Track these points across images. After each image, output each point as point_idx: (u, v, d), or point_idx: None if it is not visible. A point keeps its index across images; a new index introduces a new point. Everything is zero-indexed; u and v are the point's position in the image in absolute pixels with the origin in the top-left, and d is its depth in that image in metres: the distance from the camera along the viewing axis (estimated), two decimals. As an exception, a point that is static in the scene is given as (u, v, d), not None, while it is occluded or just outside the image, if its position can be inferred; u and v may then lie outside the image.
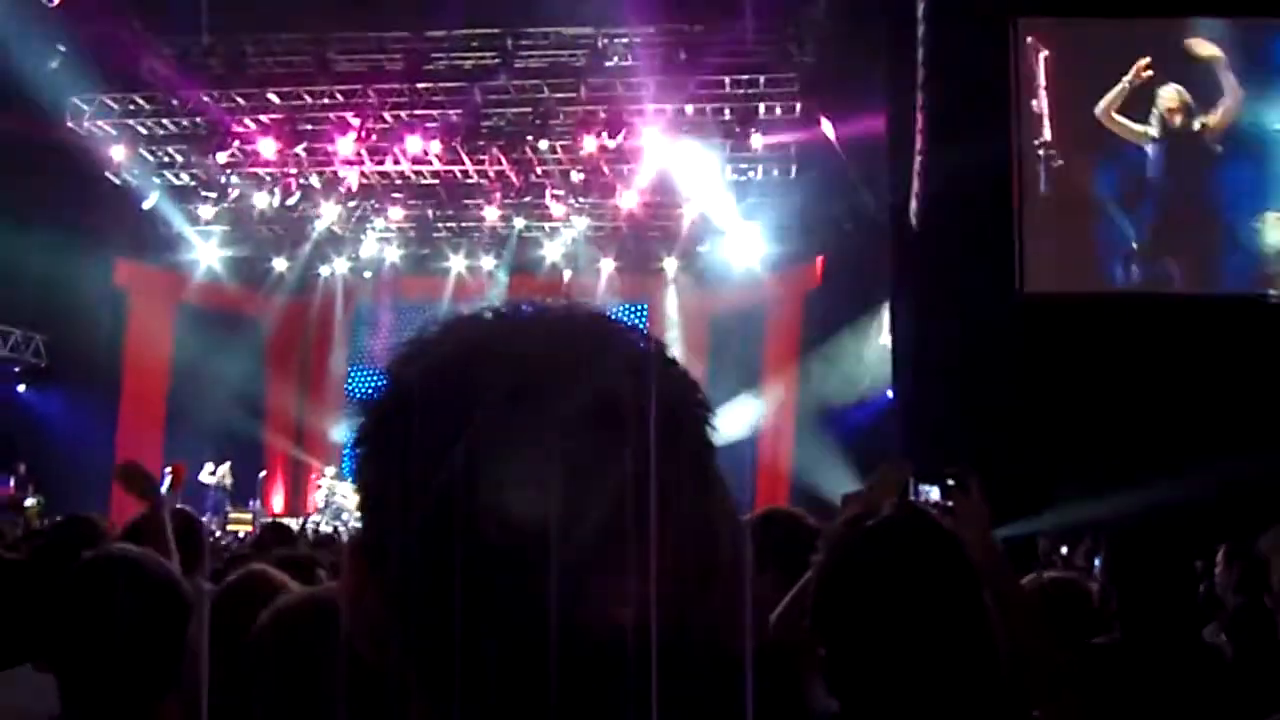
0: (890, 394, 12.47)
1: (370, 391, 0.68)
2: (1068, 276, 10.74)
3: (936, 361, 10.43)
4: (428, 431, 0.61)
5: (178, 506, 3.63)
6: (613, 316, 0.69)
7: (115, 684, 1.79)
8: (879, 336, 13.37)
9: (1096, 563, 4.31)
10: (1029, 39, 10.74)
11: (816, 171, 14.90)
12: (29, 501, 12.85)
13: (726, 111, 15.11)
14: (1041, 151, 10.66)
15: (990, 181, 10.42)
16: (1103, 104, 10.68)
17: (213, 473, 16.16)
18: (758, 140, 15.12)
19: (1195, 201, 10.82)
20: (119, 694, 1.79)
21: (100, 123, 15.60)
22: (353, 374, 19.72)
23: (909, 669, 1.42)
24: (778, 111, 15.10)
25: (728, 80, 14.60)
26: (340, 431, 19.14)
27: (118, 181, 16.11)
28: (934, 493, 7.58)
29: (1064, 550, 7.74)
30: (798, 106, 14.79)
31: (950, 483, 2.35)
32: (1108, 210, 10.77)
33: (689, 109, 15.00)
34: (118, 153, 15.74)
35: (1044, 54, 10.75)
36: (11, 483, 14.32)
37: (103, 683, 1.79)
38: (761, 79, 14.57)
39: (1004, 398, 9.62)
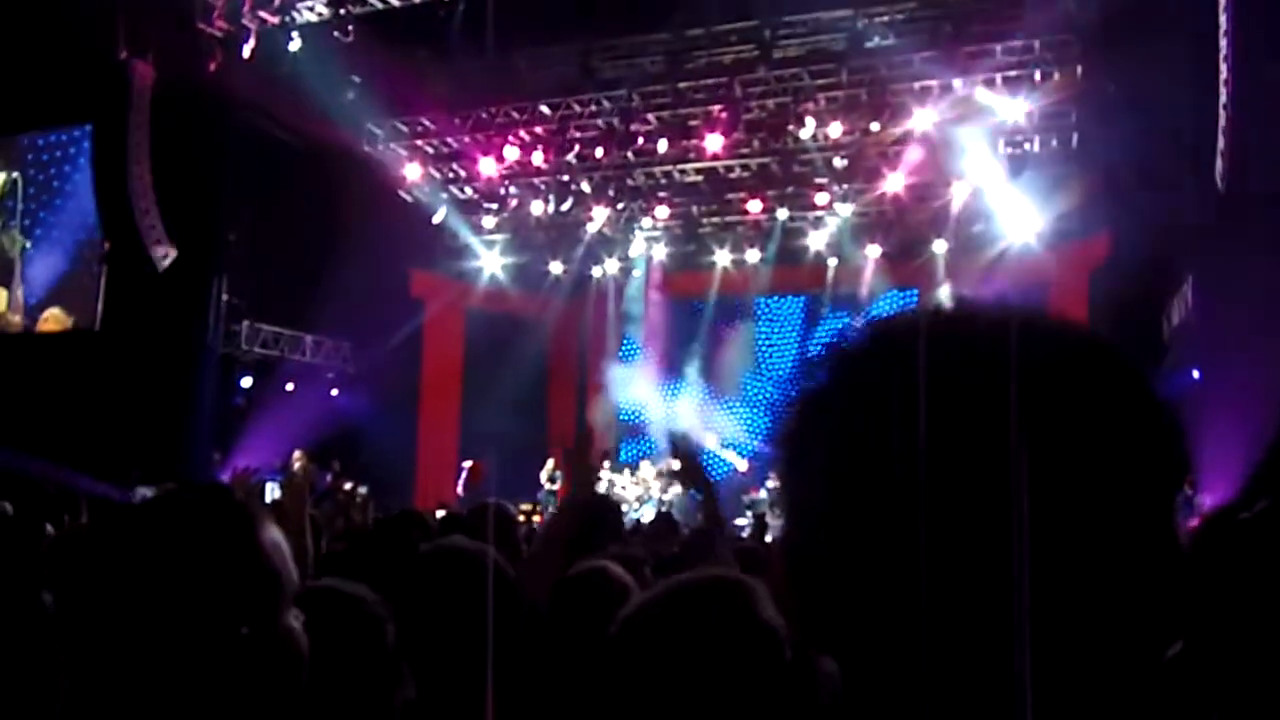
0: (1196, 374, 11.43)
1: (793, 393, 0.67)
2: None
3: (1251, 338, 9.43)
4: (860, 433, 0.60)
5: (491, 500, 3.82)
6: (1042, 313, 0.66)
7: (465, 672, 1.81)
8: (1179, 311, 12.28)
9: None
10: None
11: (1101, 138, 13.85)
12: (346, 487, 13.96)
13: (998, 81, 14.34)
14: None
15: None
16: None
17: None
18: (1033, 109, 14.26)
19: None
20: (469, 682, 1.81)
21: (392, 145, 16.93)
22: (625, 369, 20.35)
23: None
24: (1056, 77, 14.16)
25: (999, 49, 13.87)
26: (614, 425, 19.79)
27: (409, 198, 17.41)
28: None
29: None
30: (1079, 70, 13.82)
31: None
32: None
33: (957, 83, 14.36)
34: (409, 172, 17.04)
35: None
36: (329, 478, 15.79)
37: (455, 670, 1.84)
38: (1036, 43, 13.74)
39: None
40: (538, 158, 16.54)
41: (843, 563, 0.59)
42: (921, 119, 14.62)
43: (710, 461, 17.10)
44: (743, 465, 17.73)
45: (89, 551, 1.25)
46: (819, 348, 0.67)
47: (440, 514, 6.23)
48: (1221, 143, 9.81)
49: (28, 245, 16.68)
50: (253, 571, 1.24)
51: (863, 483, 0.59)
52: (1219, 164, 9.87)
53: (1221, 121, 9.76)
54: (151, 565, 1.20)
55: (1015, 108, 14.32)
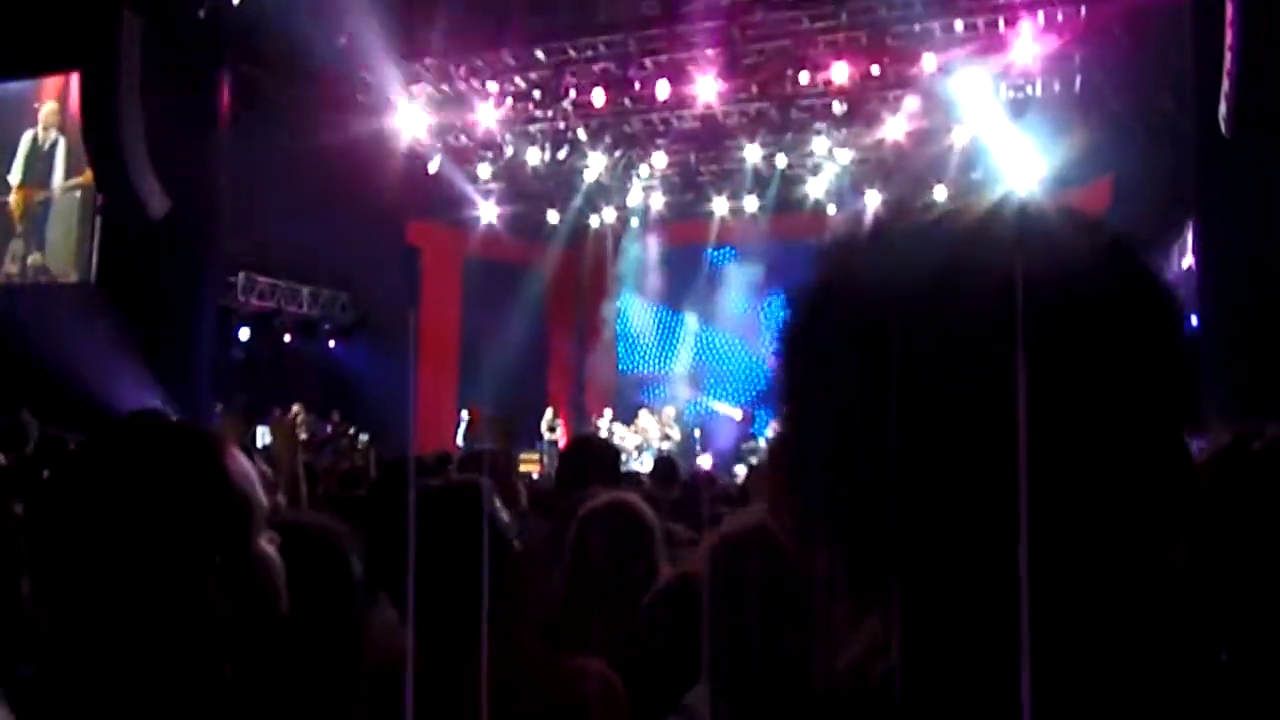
0: (1194, 321, 11.40)
1: (791, 298, 0.67)
2: None
3: (1251, 287, 9.38)
4: (851, 336, 0.59)
5: (492, 447, 3.83)
6: (1049, 211, 0.65)
7: (462, 611, 1.76)
8: (1181, 259, 12.21)
9: None
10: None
11: (1103, 81, 13.68)
12: (350, 431, 13.94)
13: (1000, 23, 14.12)
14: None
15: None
16: None
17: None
18: (1036, 51, 14.05)
19: None
20: (469, 622, 1.76)
21: (387, 93, 16.71)
22: (623, 319, 20.33)
23: None
24: (1059, 18, 13.93)
25: (1002, -12, 13.67)
26: (614, 374, 19.80)
27: (405, 147, 17.24)
28: None
29: None
30: (1083, 11, 13.60)
31: None
32: None
33: (959, 25, 14.15)
34: (404, 120, 16.84)
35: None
36: (329, 429, 15.83)
37: (453, 610, 1.77)
38: (1040, -16, 13.53)
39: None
40: (534, 105, 16.35)
41: (842, 459, 0.59)
42: (923, 62, 14.42)
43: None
44: (738, 415, 17.78)
45: (53, 485, 1.24)
46: (826, 246, 0.66)
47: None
48: (1226, 85, 9.67)
49: (34, 198, 16.59)
50: (220, 497, 1.22)
51: (862, 378, 0.58)
52: (1223, 107, 9.74)
53: (1226, 64, 9.61)
54: (117, 494, 1.18)
55: (1018, 50, 14.11)
